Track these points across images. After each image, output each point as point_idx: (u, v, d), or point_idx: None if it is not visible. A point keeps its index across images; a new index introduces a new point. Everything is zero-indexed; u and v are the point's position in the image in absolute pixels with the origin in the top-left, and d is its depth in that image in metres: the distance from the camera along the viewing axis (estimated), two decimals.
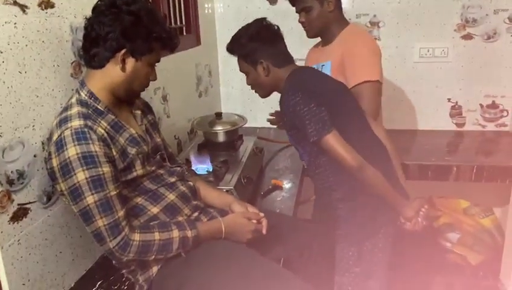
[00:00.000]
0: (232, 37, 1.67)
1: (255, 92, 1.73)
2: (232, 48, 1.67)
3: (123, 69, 1.25)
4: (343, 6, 2.68)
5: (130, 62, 1.25)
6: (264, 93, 1.72)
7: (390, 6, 2.71)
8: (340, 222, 1.66)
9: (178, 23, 2.49)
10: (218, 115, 2.28)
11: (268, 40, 1.62)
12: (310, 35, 1.98)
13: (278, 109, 1.71)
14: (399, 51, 2.77)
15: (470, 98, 2.80)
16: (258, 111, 3.05)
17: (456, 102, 2.82)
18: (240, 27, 1.67)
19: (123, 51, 1.22)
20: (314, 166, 1.64)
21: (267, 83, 1.65)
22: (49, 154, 1.18)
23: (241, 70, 1.69)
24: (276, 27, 1.64)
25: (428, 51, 2.75)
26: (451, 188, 2.64)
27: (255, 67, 1.63)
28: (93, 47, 1.22)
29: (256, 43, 1.61)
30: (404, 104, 2.88)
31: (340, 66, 1.88)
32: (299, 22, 1.94)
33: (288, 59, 1.66)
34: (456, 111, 2.85)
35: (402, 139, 2.74)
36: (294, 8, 2.00)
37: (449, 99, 2.83)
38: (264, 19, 1.65)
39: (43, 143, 1.26)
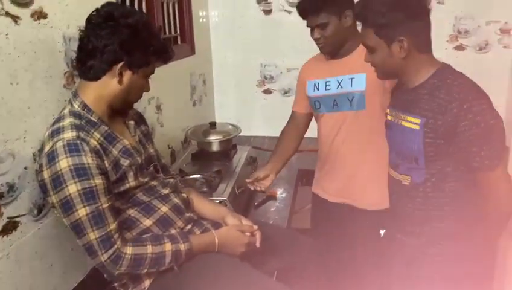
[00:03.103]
0: (361, 1, 1.36)
1: (375, 70, 1.39)
2: (364, 14, 1.32)
3: (120, 81, 1.24)
4: None
5: (127, 75, 1.24)
6: (385, 76, 1.41)
7: None
8: (433, 266, 1.36)
9: (173, 32, 2.49)
10: (212, 125, 2.29)
11: (415, 12, 1.26)
12: (326, 51, 1.78)
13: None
14: None
15: None
16: (252, 120, 3.05)
17: None
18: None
19: (121, 64, 1.21)
20: (429, 187, 1.32)
21: (397, 66, 1.30)
22: (41, 166, 1.16)
23: (364, 43, 1.36)
24: None
25: None
26: None
27: (389, 44, 1.28)
28: (90, 59, 1.21)
29: (399, 14, 1.25)
30: None
31: (379, 80, 1.62)
32: (313, 38, 1.74)
33: (431, 44, 1.32)
34: None
35: None
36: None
37: None
38: None
39: (34, 155, 1.24)
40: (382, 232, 1.73)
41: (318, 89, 1.83)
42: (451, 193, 1.30)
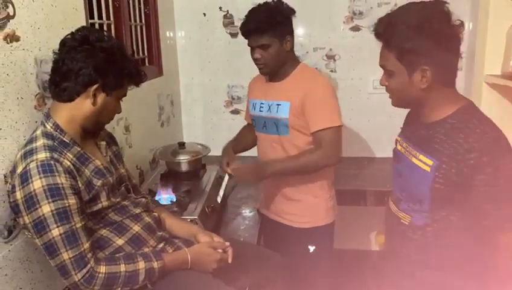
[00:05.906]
0: (385, 19, 1.21)
1: (390, 96, 1.28)
2: (388, 35, 1.19)
3: (94, 103, 1.26)
4: (301, 40, 2.84)
5: (101, 97, 1.27)
6: (400, 104, 1.28)
7: (344, 41, 2.86)
8: None
9: (141, 54, 2.52)
10: (181, 145, 2.31)
11: (446, 41, 1.13)
12: (265, 72, 1.87)
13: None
14: (354, 82, 2.91)
15: None
16: (220, 140, 3.07)
17: None
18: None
19: (95, 86, 1.24)
20: (429, 233, 1.23)
21: (414, 96, 1.20)
22: (13, 187, 1.17)
23: (382, 66, 1.25)
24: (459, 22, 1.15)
25: None
26: None
27: (410, 72, 1.16)
28: (64, 81, 1.23)
29: (428, 41, 1.11)
30: (361, 133, 3.00)
31: (300, 108, 1.78)
32: (253, 58, 1.81)
33: (455, 78, 1.21)
34: None
35: (360, 166, 2.85)
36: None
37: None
38: (445, 3, 1.15)
39: (5, 176, 1.24)
40: (311, 248, 1.90)
41: (255, 109, 1.95)
42: (453, 244, 1.20)
